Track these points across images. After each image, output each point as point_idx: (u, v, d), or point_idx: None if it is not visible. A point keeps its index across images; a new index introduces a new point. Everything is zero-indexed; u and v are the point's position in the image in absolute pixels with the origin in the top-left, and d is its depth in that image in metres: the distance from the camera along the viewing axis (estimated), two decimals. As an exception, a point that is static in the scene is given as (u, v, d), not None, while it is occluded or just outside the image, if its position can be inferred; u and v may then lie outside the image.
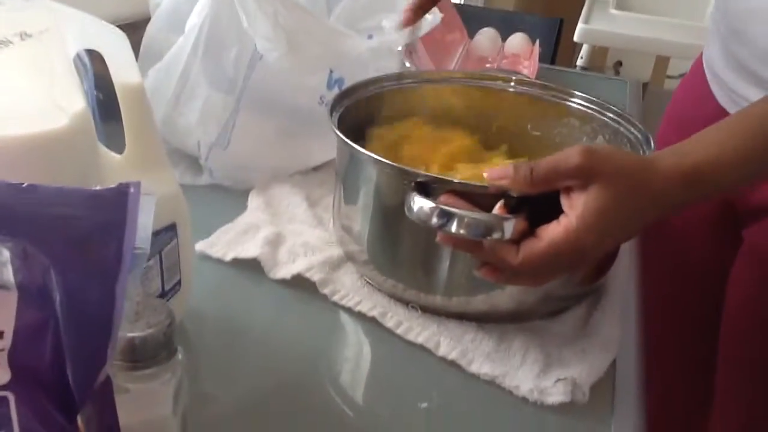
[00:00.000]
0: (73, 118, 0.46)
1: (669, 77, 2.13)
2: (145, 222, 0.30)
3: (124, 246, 0.29)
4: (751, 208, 0.82)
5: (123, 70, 0.52)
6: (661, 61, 2.11)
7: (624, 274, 0.73)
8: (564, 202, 0.54)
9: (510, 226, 0.53)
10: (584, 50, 2.01)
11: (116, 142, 0.53)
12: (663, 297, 0.94)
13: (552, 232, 0.53)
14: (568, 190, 0.53)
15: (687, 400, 1.02)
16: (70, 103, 0.48)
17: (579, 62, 2.01)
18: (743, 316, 0.85)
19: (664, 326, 0.95)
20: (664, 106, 1.01)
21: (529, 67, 1.25)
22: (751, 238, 0.83)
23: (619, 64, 2.24)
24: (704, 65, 0.87)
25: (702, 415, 0.97)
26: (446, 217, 0.54)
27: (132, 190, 0.29)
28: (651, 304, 0.76)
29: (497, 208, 0.55)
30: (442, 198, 0.56)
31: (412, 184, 0.57)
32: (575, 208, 0.52)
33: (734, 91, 0.77)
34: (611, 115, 0.73)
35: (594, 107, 0.75)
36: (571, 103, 0.77)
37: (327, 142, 0.78)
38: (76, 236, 0.29)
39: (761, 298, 0.82)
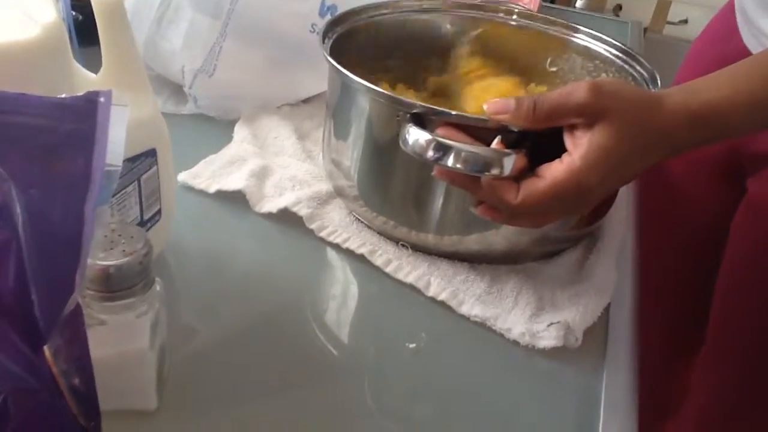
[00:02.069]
0: (45, 29, 0.44)
1: (669, 23, 2.09)
2: (117, 136, 0.27)
3: (94, 160, 0.26)
4: (754, 157, 0.80)
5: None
6: (662, 6, 2.06)
7: (622, 217, 0.71)
8: (567, 140, 0.51)
9: (510, 162, 0.50)
10: (585, -10, 1.95)
11: (95, 66, 0.50)
12: (660, 243, 0.92)
13: (554, 171, 0.50)
14: (572, 127, 0.51)
15: (677, 347, 1.01)
16: (42, 15, 0.45)
17: (578, 4, 1.95)
18: (742, 266, 0.83)
19: (659, 273, 0.94)
20: (662, 51, 0.97)
21: (529, 4, 1.20)
22: (754, 187, 0.81)
23: (619, 8, 2.17)
24: (735, 3, 0.83)
25: (689, 364, 0.96)
26: (442, 150, 0.51)
27: (102, 99, 0.26)
28: (648, 250, 0.74)
29: (495, 143, 0.52)
30: (440, 130, 0.53)
31: (408, 115, 0.54)
32: (579, 147, 0.50)
33: (762, 32, 0.73)
34: (616, 51, 0.70)
35: (598, 43, 0.72)
36: (574, 39, 0.73)
37: (318, 74, 0.74)
38: (39, 149, 0.26)
39: (761, 249, 0.80)
